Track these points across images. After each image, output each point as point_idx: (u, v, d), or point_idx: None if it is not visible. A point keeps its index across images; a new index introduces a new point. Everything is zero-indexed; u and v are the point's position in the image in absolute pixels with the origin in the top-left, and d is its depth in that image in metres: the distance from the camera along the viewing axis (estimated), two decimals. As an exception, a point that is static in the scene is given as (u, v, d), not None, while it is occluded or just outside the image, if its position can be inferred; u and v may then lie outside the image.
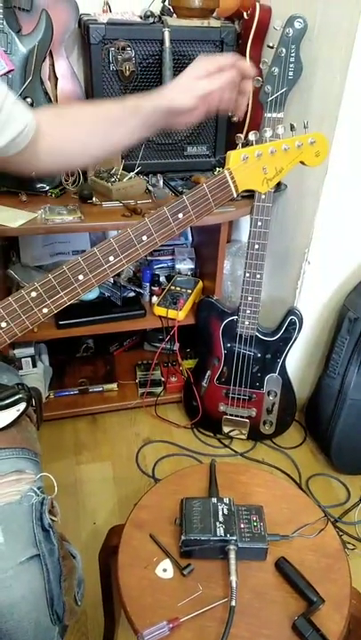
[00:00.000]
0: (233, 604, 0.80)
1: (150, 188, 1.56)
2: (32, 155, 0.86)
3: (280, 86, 1.30)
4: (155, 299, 1.77)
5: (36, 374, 1.74)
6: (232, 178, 0.79)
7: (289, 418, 1.74)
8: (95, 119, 0.88)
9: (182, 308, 1.69)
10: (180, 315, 1.68)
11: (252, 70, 0.83)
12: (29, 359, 1.71)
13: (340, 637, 0.81)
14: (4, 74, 1.35)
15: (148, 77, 1.52)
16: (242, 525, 0.89)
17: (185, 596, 0.84)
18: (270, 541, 0.89)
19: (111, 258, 0.76)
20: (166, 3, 1.58)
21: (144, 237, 0.77)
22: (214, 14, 1.59)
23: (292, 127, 0.79)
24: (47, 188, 1.48)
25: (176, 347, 1.80)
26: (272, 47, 1.30)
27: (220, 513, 0.91)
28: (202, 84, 0.81)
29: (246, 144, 0.79)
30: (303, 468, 1.70)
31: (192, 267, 1.89)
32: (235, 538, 0.87)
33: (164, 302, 1.72)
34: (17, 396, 0.86)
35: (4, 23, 1.35)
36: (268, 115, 1.33)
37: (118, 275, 1.79)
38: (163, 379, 1.92)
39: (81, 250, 1.78)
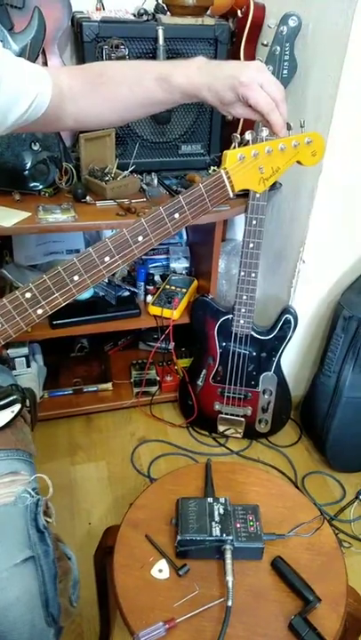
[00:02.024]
0: (229, 604, 0.80)
1: (145, 186, 1.55)
2: (55, 118, 0.84)
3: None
4: (149, 298, 1.77)
5: (30, 374, 1.74)
6: (228, 178, 0.79)
7: (284, 416, 1.74)
8: (136, 101, 0.85)
9: (177, 307, 1.69)
10: (175, 314, 1.68)
11: (280, 131, 0.79)
12: (23, 359, 1.70)
13: (336, 636, 0.81)
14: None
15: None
16: (238, 525, 0.89)
17: (181, 596, 0.84)
18: (266, 541, 0.89)
19: (107, 258, 0.76)
20: (160, 0, 1.57)
21: (140, 237, 0.76)
22: (208, 12, 1.59)
23: (288, 127, 0.79)
24: (41, 187, 1.47)
25: (171, 346, 1.80)
26: (266, 45, 1.29)
27: (216, 513, 0.91)
28: (238, 110, 0.80)
29: (242, 143, 0.79)
30: (299, 466, 1.70)
31: (187, 265, 1.89)
32: (231, 537, 0.87)
33: (159, 301, 1.72)
34: (11, 398, 0.85)
35: (-3, 20, 1.34)
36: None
37: (113, 274, 1.78)
38: (158, 378, 1.91)
39: (75, 249, 1.77)
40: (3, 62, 0.76)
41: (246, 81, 0.76)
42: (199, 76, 0.80)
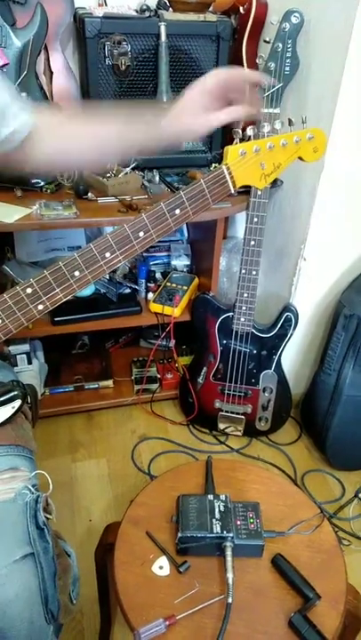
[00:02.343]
0: (229, 600, 0.80)
1: (146, 183, 1.55)
2: (25, 156, 0.85)
3: (277, 81, 1.29)
4: (150, 295, 1.77)
5: (31, 371, 1.73)
6: (230, 173, 0.78)
7: (284, 414, 1.74)
8: (98, 140, 0.86)
9: (178, 304, 1.68)
10: (176, 311, 1.68)
11: (264, 79, 0.81)
12: (24, 356, 1.70)
13: (335, 633, 0.81)
14: (-1, 68, 1.34)
15: (144, 72, 1.51)
16: (238, 522, 0.89)
17: (181, 593, 0.84)
18: (266, 538, 0.89)
19: (107, 254, 0.75)
20: (162, -3, 1.57)
21: (141, 233, 0.76)
22: (210, 9, 1.58)
23: (290, 122, 0.79)
24: (42, 183, 1.47)
25: (172, 343, 1.80)
26: (269, 42, 1.29)
27: (217, 510, 0.91)
28: (217, 119, 0.80)
29: (244, 139, 0.79)
30: (298, 464, 1.70)
31: (188, 263, 1.88)
32: (231, 535, 0.87)
33: (160, 299, 1.71)
34: (12, 393, 0.85)
35: (-1, 16, 1.33)
36: (265, 110, 1.32)
37: (114, 271, 1.78)
38: (158, 375, 1.91)
39: (76, 246, 1.77)
40: None
41: (214, 71, 0.79)
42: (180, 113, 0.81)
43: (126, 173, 1.52)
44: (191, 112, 0.80)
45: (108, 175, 1.49)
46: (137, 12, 1.53)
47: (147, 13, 1.50)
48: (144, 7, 1.51)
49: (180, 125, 0.81)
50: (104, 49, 1.45)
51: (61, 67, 1.55)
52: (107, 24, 1.43)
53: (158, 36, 1.46)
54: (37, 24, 1.35)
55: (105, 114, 0.88)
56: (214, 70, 0.80)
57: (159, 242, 1.46)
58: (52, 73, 1.54)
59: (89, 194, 1.47)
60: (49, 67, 1.53)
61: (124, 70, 1.48)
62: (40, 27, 1.36)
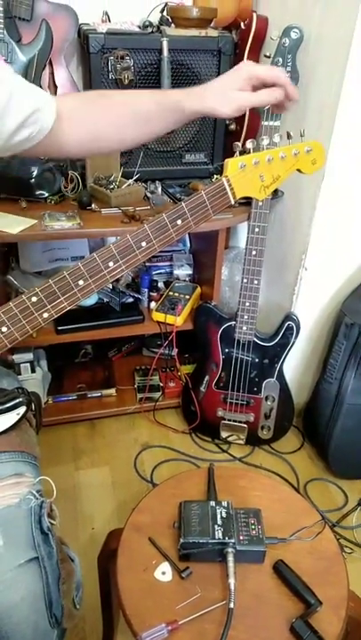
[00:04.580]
0: (231, 606, 0.81)
1: (149, 194, 1.57)
2: (57, 142, 0.84)
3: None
4: (153, 304, 1.78)
5: (34, 380, 1.75)
6: (230, 185, 0.80)
7: (287, 423, 1.74)
8: (130, 113, 0.87)
9: (180, 313, 1.70)
10: (179, 320, 1.69)
11: (296, 95, 0.82)
12: (28, 365, 1.72)
13: (337, 639, 0.81)
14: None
15: (147, 86, 1.54)
16: (240, 528, 0.90)
17: (184, 598, 0.84)
18: (268, 544, 0.90)
19: (111, 263, 0.77)
20: (165, 13, 1.60)
21: (143, 243, 0.78)
22: (212, 24, 1.61)
23: (288, 135, 0.81)
24: (46, 194, 1.50)
25: (174, 352, 1.81)
26: (269, 57, 1.32)
27: (219, 516, 0.91)
28: (246, 98, 0.81)
29: (244, 152, 0.81)
30: (301, 472, 1.70)
31: (190, 273, 1.90)
32: (233, 541, 0.88)
33: (163, 308, 1.73)
34: (17, 400, 0.86)
35: (5, 32, 1.37)
36: (266, 123, 1.35)
37: (117, 280, 1.80)
38: (161, 384, 1.92)
39: (80, 256, 1.79)
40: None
41: (252, 65, 0.81)
42: (206, 92, 0.84)
43: (129, 185, 1.54)
44: (218, 95, 0.82)
45: (112, 187, 1.52)
46: (140, 27, 1.56)
47: (149, 29, 1.53)
48: (147, 23, 1.55)
49: (203, 106, 0.83)
50: (107, 63, 1.48)
51: (65, 81, 1.58)
52: (110, 39, 1.46)
53: (160, 50, 1.49)
54: (42, 40, 1.39)
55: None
56: (251, 63, 0.82)
57: (162, 252, 1.49)
58: (56, 87, 1.57)
59: (92, 205, 1.49)
60: (53, 81, 1.57)
61: (127, 84, 1.51)
62: (45, 42, 1.39)
